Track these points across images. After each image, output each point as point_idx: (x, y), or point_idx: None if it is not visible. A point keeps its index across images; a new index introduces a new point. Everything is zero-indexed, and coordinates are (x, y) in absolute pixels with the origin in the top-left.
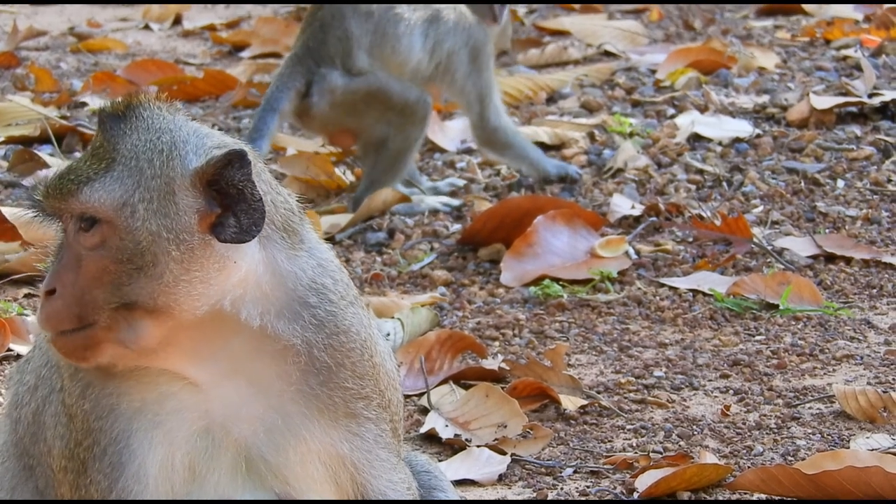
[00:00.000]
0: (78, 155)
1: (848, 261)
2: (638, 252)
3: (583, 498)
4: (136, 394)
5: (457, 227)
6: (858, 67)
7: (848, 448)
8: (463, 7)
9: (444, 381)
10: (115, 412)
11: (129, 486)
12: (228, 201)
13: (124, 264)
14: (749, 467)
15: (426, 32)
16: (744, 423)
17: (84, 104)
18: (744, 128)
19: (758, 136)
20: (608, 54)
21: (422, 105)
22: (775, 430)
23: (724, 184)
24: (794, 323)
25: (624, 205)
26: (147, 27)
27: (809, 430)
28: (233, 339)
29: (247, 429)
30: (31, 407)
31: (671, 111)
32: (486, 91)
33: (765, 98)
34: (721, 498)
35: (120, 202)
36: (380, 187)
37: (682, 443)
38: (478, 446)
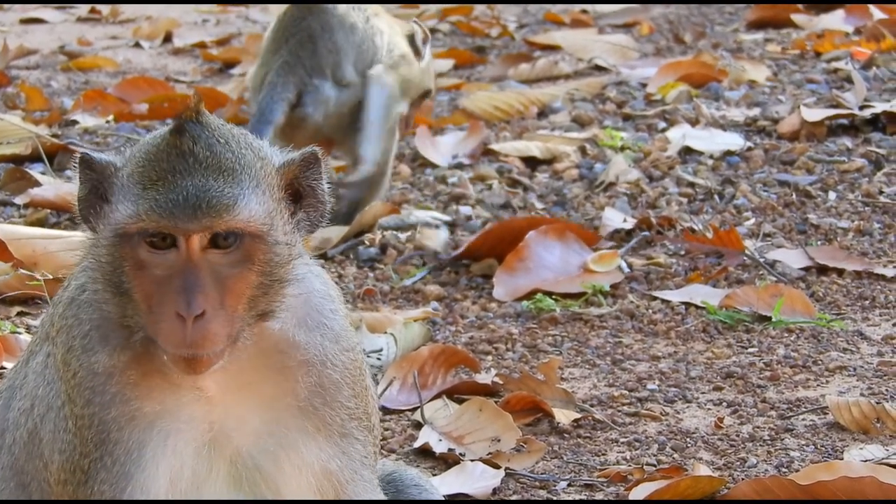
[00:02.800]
0: (70, 174)
1: (840, 272)
2: (630, 265)
3: None
4: (152, 403)
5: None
6: (849, 80)
7: (842, 459)
8: None
9: (438, 396)
10: (133, 421)
11: (135, 496)
12: (299, 198)
13: (267, 276)
14: (743, 479)
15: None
16: (737, 436)
17: (75, 122)
18: (735, 141)
19: (749, 148)
20: (599, 68)
21: (396, 116)
22: (769, 442)
23: (716, 197)
24: (786, 335)
25: (616, 218)
26: (137, 45)
27: (803, 442)
28: (255, 348)
29: (247, 439)
30: (27, 427)
31: (662, 125)
32: None
33: (756, 111)
34: None
35: (265, 214)
36: (365, 204)
37: (675, 455)
38: (472, 460)
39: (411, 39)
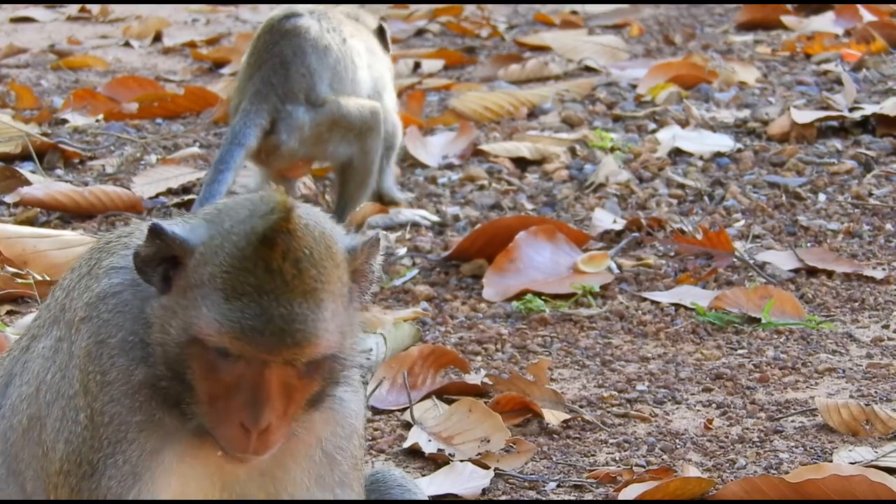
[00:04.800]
0: (60, 173)
1: (830, 274)
2: (620, 266)
3: None
4: (174, 420)
5: (432, 239)
6: (839, 82)
7: (831, 461)
8: None
9: (427, 396)
10: (152, 426)
11: (141, 498)
12: (356, 276)
13: (330, 382)
14: (732, 481)
15: (370, 63)
16: (726, 437)
17: (65, 121)
18: (725, 142)
19: (739, 150)
20: (589, 69)
21: (375, 117)
22: (758, 444)
23: (706, 198)
24: (776, 336)
25: (606, 219)
26: (127, 44)
27: (792, 444)
28: None
29: (246, 472)
30: (28, 412)
31: (652, 126)
32: None
33: (746, 112)
34: None
35: (340, 333)
36: (353, 206)
37: (665, 456)
38: (461, 461)
39: (381, 32)
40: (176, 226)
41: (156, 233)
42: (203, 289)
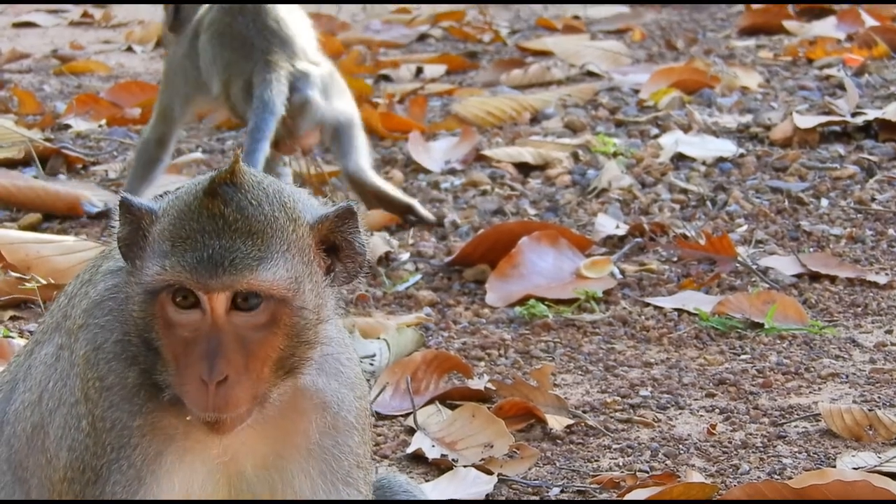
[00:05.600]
0: (63, 178)
1: (832, 279)
2: (623, 272)
3: None
4: (174, 421)
5: (435, 244)
6: (841, 86)
7: (834, 466)
8: None
9: (431, 402)
10: (154, 431)
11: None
12: (335, 251)
13: (294, 339)
14: (735, 486)
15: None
16: (730, 442)
17: (68, 126)
18: (727, 147)
19: (741, 155)
20: (591, 74)
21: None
22: (761, 449)
23: (709, 203)
24: (779, 342)
25: (608, 224)
26: (130, 49)
27: (795, 449)
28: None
29: (252, 468)
30: (32, 420)
31: (655, 131)
32: None
33: (748, 117)
34: None
35: (291, 278)
36: (369, 159)
37: (668, 462)
38: (464, 466)
39: None
40: (142, 200)
41: (125, 206)
42: (154, 244)
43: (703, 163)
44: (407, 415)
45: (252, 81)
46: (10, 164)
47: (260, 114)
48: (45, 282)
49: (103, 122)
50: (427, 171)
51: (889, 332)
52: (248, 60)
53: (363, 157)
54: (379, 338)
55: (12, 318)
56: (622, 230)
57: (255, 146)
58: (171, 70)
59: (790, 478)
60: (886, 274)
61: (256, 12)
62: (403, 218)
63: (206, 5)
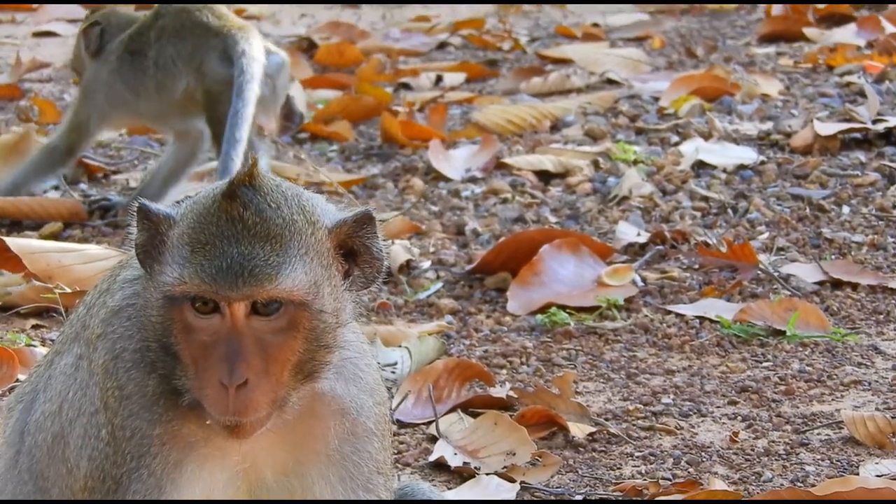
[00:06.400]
0: (83, 187)
1: (854, 287)
2: (644, 279)
3: None
4: (193, 428)
5: (456, 252)
6: (862, 93)
7: (857, 474)
8: None
9: (453, 410)
10: (174, 440)
11: None
12: (353, 256)
13: (313, 343)
14: (758, 493)
15: None
16: (752, 450)
17: None
18: (748, 155)
19: (762, 162)
20: (611, 82)
21: None
22: (784, 457)
23: (730, 211)
24: (801, 349)
25: (629, 232)
26: None
27: (818, 457)
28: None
29: (272, 475)
30: (52, 430)
31: (675, 138)
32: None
33: (769, 125)
34: None
35: (310, 283)
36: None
37: (691, 470)
38: (487, 474)
39: None
40: (160, 206)
41: (142, 212)
42: (173, 250)
43: (724, 170)
44: (429, 423)
45: (226, 49)
46: None
47: (247, 62)
48: (68, 290)
49: (124, 131)
50: (447, 180)
51: None
52: (216, 37)
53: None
54: (400, 346)
55: (34, 327)
56: (643, 238)
57: (245, 86)
58: (91, 87)
59: (813, 485)
60: None
61: (205, 4)
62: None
63: (128, 31)
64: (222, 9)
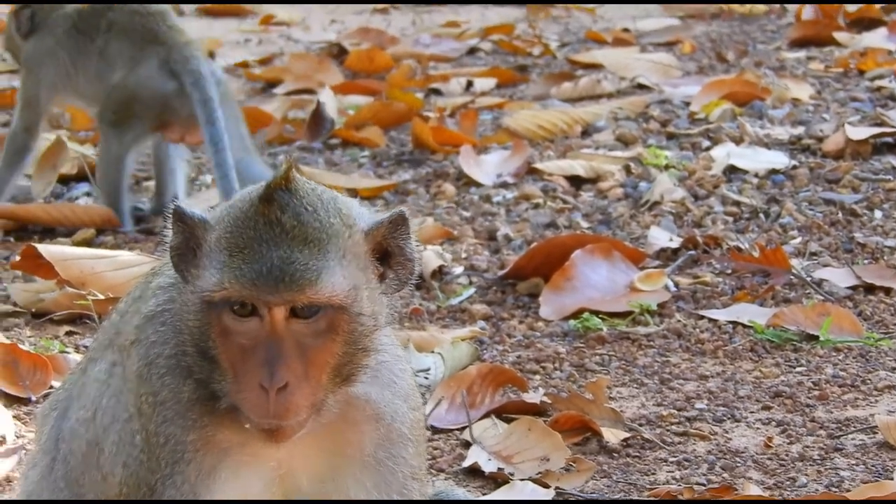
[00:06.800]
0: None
1: (887, 291)
2: (677, 284)
3: None
4: (228, 434)
5: (488, 258)
6: (893, 97)
7: (892, 479)
8: None
9: (486, 415)
10: (208, 446)
11: None
12: (387, 258)
13: (352, 346)
14: (793, 498)
15: None
16: (787, 455)
17: None
18: (780, 159)
19: (794, 167)
20: (641, 87)
21: None
22: (819, 462)
23: (762, 215)
24: (834, 354)
25: (662, 237)
26: None
27: (853, 462)
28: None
29: (307, 481)
30: (87, 437)
31: (706, 143)
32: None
33: (800, 129)
34: None
35: (349, 286)
36: None
37: (725, 475)
38: (521, 480)
39: None
40: (195, 209)
41: (178, 215)
42: (210, 254)
43: (756, 175)
44: (462, 428)
45: (171, 60)
46: (63, 179)
47: (205, 84)
48: (101, 297)
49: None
50: (479, 185)
51: None
52: (160, 45)
53: None
54: (433, 351)
55: (68, 334)
56: (675, 243)
57: (215, 114)
58: (33, 60)
59: (848, 490)
60: None
61: (158, 11)
62: None
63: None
64: (173, 19)
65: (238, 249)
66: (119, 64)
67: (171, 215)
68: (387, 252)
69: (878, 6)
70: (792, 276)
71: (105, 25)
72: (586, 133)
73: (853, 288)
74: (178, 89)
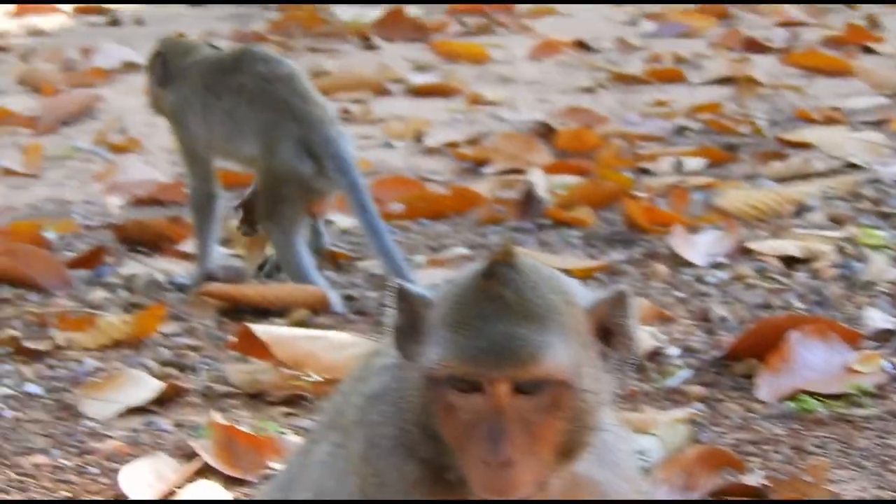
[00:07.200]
0: (330, 275)
1: None
2: (894, 365)
3: None
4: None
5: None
6: None
7: None
8: None
9: (705, 499)
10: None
11: None
12: (607, 336)
13: (575, 422)
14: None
15: None
16: None
17: (330, 223)
18: None
19: None
20: (852, 166)
21: None
22: None
23: None
24: None
25: (877, 318)
26: (388, 144)
27: None
28: None
29: None
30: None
31: None
32: None
33: None
34: None
35: (571, 362)
36: None
37: None
38: None
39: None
40: (418, 287)
41: (401, 294)
42: (434, 331)
43: None
44: None
45: (309, 141)
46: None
47: (349, 169)
48: (318, 378)
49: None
50: (691, 265)
51: None
52: (295, 122)
53: None
54: (650, 433)
55: (285, 415)
56: (891, 324)
57: (366, 199)
58: (177, 111)
59: None
60: None
61: (290, 77)
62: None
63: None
64: (308, 88)
65: (460, 325)
66: (248, 133)
67: (393, 294)
68: (607, 330)
69: None
70: None
71: (234, 86)
72: (798, 213)
73: None
74: (318, 171)
